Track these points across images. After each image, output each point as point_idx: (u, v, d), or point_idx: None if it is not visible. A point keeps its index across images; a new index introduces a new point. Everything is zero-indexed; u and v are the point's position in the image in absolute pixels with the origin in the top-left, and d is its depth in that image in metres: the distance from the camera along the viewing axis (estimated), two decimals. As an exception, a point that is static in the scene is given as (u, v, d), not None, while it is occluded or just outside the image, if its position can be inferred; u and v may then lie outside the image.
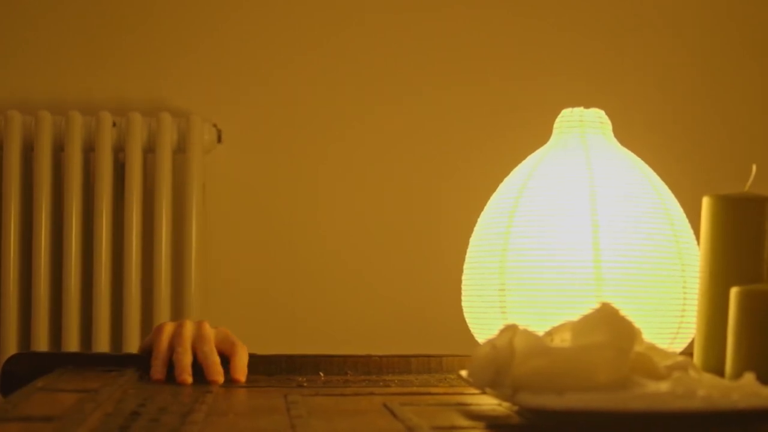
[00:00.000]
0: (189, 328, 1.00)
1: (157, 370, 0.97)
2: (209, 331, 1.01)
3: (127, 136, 1.94)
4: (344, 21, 2.10)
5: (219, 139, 2.02)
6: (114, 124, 1.95)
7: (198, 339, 0.99)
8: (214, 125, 2.01)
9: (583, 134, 1.04)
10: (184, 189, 1.97)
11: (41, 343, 1.89)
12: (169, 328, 1.01)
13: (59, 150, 1.95)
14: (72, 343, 1.90)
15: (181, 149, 1.97)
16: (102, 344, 1.91)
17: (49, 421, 0.65)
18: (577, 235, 0.96)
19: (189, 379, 0.95)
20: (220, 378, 0.96)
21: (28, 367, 0.98)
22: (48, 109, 1.95)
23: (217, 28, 2.08)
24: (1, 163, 1.93)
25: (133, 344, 1.90)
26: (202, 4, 2.08)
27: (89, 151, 1.96)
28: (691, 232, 1.01)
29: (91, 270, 1.93)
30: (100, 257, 1.92)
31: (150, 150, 1.97)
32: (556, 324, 0.79)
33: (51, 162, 1.93)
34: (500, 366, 0.71)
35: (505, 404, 0.80)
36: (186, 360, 0.97)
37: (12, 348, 1.88)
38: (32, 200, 1.92)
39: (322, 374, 1.04)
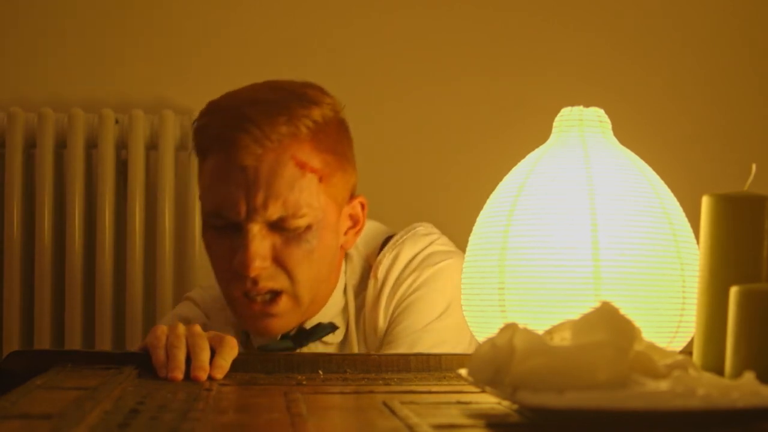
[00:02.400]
0: (183, 327, 1.03)
1: (160, 366, 0.98)
2: (201, 331, 1.02)
3: (129, 133, 1.94)
4: (345, 21, 2.10)
5: (221, 137, 2.01)
6: (116, 122, 1.95)
7: (191, 336, 1.01)
8: (217, 123, 2.01)
9: (582, 133, 1.04)
10: (186, 186, 1.97)
11: (44, 341, 1.89)
12: (164, 328, 1.04)
13: (61, 147, 1.95)
14: (74, 341, 1.90)
15: (183, 146, 1.97)
16: (105, 342, 1.91)
17: (48, 419, 0.65)
18: (576, 233, 0.96)
19: (180, 376, 0.96)
20: (203, 375, 0.97)
21: (27, 365, 0.99)
22: (50, 106, 1.95)
23: (220, 26, 2.08)
24: (4, 160, 1.93)
25: (135, 342, 1.90)
26: (205, 2, 2.08)
27: (91, 148, 1.96)
28: (690, 230, 1.01)
29: (93, 267, 1.93)
30: (103, 254, 1.92)
31: (152, 147, 1.97)
32: (555, 323, 0.79)
33: (53, 159, 1.93)
34: (500, 364, 0.71)
35: (505, 403, 0.80)
36: (181, 356, 0.99)
37: (15, 346, 1.88)
38: (34, 197, 1.92)
39: (321, 372, 1.04)
